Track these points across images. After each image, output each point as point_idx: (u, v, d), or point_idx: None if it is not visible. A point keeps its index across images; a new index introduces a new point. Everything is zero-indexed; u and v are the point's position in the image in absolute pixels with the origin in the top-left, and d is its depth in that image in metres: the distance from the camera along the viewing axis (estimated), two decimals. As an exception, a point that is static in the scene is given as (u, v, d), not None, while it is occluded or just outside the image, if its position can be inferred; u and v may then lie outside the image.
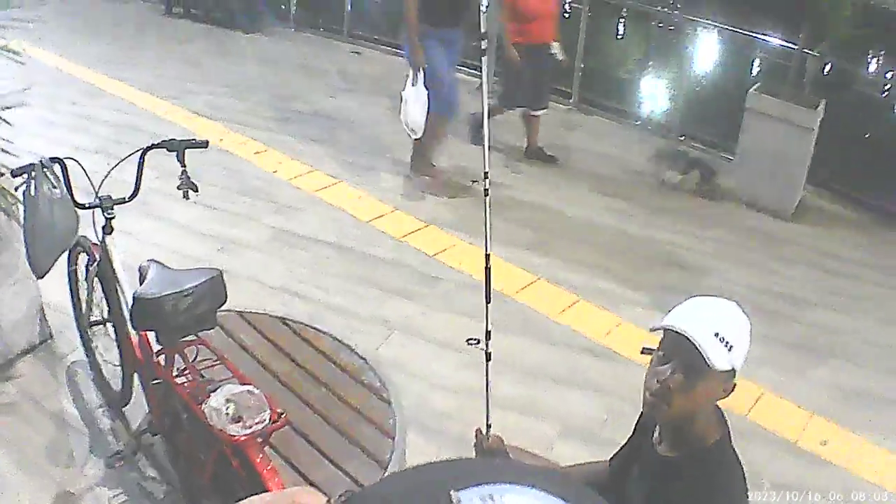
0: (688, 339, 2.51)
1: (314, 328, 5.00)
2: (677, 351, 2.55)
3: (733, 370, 2.56)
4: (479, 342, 3.60)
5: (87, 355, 5.29)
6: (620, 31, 11.83)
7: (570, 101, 10.61)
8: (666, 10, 10.83)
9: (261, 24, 13.94)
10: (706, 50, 9.96)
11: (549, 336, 6.08)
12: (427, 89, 7.50)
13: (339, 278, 6.67)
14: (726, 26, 9.67)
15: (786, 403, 5.60)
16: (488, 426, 3.62)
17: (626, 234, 7.70)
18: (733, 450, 2.77)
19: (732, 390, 2.65)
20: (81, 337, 5.27)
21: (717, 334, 2.51)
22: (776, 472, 5.04)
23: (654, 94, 10.87)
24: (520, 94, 8.74)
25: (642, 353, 2.73)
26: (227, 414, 3.41)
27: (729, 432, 2.78)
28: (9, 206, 4.89)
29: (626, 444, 3.14)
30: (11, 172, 4.24)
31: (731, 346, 2.52)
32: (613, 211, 8.13)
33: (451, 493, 1.01)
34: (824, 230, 8.18)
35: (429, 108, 7.50)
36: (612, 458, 3.21)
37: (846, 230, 8.26)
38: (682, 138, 9.74)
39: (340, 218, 7.65)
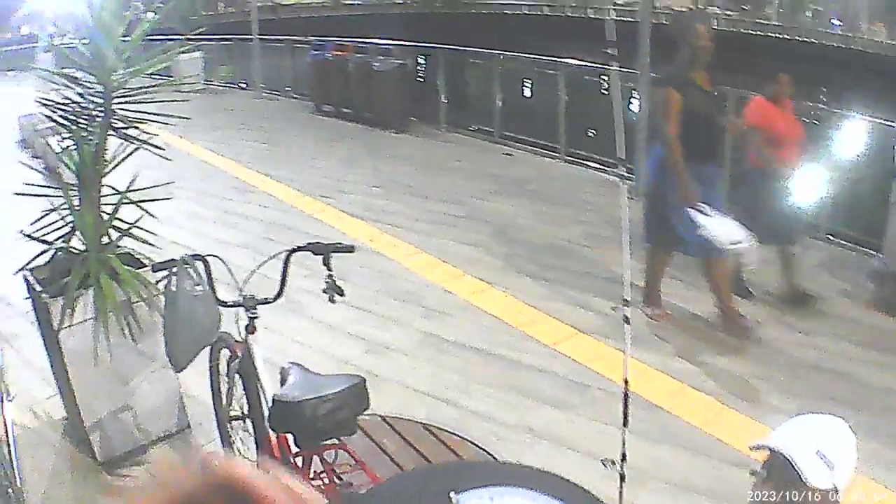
0: (786, 457, 2.51)
1: (457, 435, 4.88)
2: (777, 469, 2.56)
3: (835, 489, 2.51)
4: (614, 464, 3.48)
5: (224, 448, 5.22)
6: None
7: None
8: (809, 102, 10.53)
9: (411, 125, 14.07)
10: (849, 142, 9.58)
11: (695, 446, 5.84)
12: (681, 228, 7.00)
13: (487, 385, 6.53)
14: (870, 117, 9.36)
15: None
16: None
17: (782, 345, 7.30)
18: None
19: None
20: (220, 430, 5.22)
21: (818, 452, 2.50)
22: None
23: (799, 191, 10.50)
24: (767, 229, 7.68)
25: (751, 474, 2.70)
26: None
27: None
28: (150, 297, 4.92)
29: None
30: (152, 268, 4.30)
31: (833, 465, 2.49)
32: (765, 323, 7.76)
33: (452, 495, 1.01)
34: None
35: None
36: None
37: None
38: (830, 237, 9.32)
39: (490, 324, 7.52)
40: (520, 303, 7.89)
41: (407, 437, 4.80)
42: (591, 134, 13.34)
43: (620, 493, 3.46)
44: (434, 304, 7.90)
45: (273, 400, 3.78)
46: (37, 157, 4.99)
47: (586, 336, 7.20)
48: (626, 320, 3.38)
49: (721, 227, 6.72)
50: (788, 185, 7.67)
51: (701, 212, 6.72)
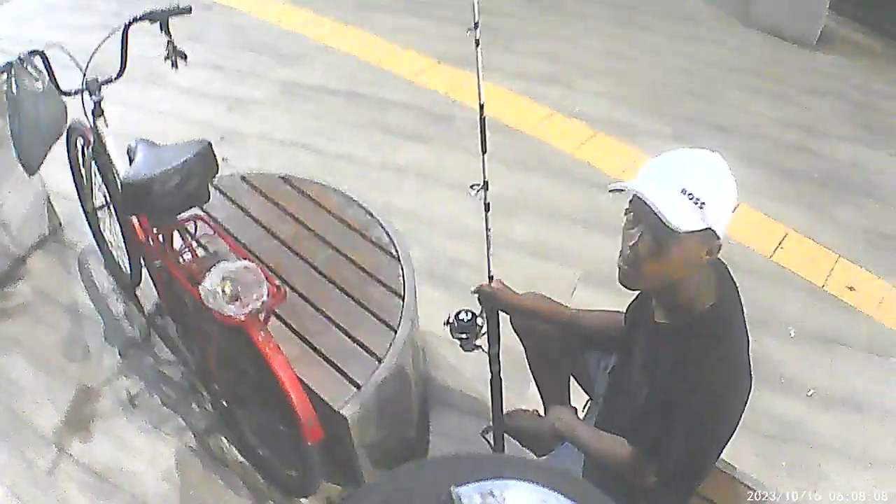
0: (643, 199, 2.34)
1: (318, 184, 4.84)
2: (643, 213, 2.38)
3: (711, 230, 2.35)
4: (478, 188, 3.43)
5: (96, 241, 5.25)
6: None
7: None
8: None
9: None
10: None
11: (567, 173, 5.94)
12: None
13: (349, 126, 6.57)
14: None
15: (812, 245, 5.40)
16: (490, 278, 3.50)
17: (643, 64, 7.40)
18: (734, 312, 2.62)
19: (718, 251, 2.43)
20: (89, 223, 5.20)
21: (684, 191, 2.30)
22: (801, 320, 4.90)
23: None
24: None
25: (625, 214, 2.52)
26: (224, 293, 3.30)
27: (731, 293, 2.62)
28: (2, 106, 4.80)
29: (635, 301, 3.03)
30: None
31: (702, 203, 2.30)
32: (629, 40, 7.80)
33: (452, 489, 1.00)
34: (850, 61, 7.65)
35: None
36: (626, 312, 3.11)
37: (873, 61, 7.71)
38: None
39: (349, 63, 7.48)
40: (376, 38, 7.83)
41: (267, 194, 4.76)
42: None
43: (486, 220, 3.45)
44: (290, 51, 7.79)
45: (120, 183, 3.72)
46: None
47: (446, 66, 7.23)
48: (477, 43, 3.30)
49: None
50: None
51: None
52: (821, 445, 4.23)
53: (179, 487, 4.15)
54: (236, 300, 3.30)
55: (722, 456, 2.94)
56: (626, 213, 2.49)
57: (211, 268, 3.40)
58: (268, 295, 3.33)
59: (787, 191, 5.79)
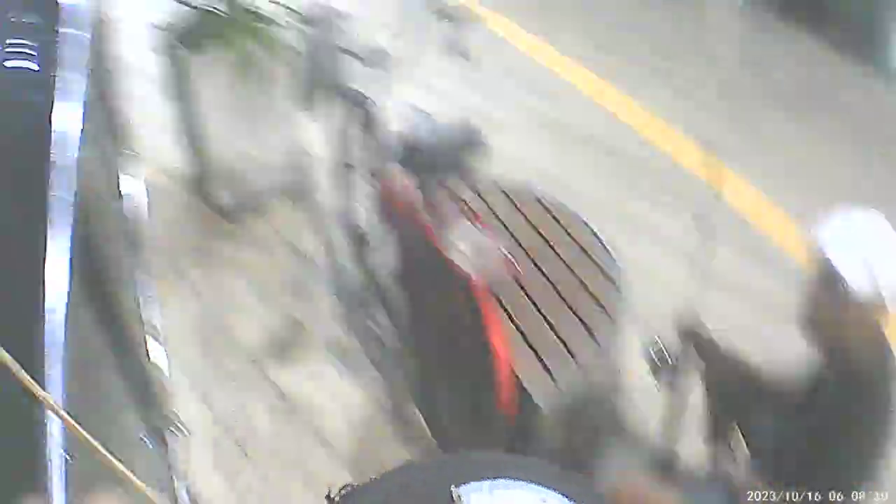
0: (832, 265, 2.53)
1: (566, 209, 5.03)
2: (826, 274, 2.57)
3: (882, 300, 2.53)
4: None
5: (340, 199, 5.50)
6: None
7: None
8: None
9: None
10: None
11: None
12: None
13: (600, 175, 6.70)
14: None
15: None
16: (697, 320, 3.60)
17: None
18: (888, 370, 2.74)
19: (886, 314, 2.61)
20: (336, 183, 5.47)
21: (865, 260, 2.49)
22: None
23: None
24: None
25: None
26: (466, 254, 3.54)
27: (887, 352, 2.76)
28: (276, 54, 5.22)
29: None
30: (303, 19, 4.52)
31: (877, 273, 2.49)
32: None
33: (452, 488, 1.04)
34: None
35: None
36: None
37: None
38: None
39: (607, 122, 7.54)
40: (641, 108, 7.82)
41: (514, 201, 4.97)
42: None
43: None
44: (552, 91, 7.90)
45: (401, 139, 4.01)
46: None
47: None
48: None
49: None
50: None
51: None
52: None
53: (356, 430, 4.41)
54: (475, 260, 3.54)
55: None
56: (809, 275, 2.72)
57: (458, 229, 3.65)
58: (502, 265, 3.57)
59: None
